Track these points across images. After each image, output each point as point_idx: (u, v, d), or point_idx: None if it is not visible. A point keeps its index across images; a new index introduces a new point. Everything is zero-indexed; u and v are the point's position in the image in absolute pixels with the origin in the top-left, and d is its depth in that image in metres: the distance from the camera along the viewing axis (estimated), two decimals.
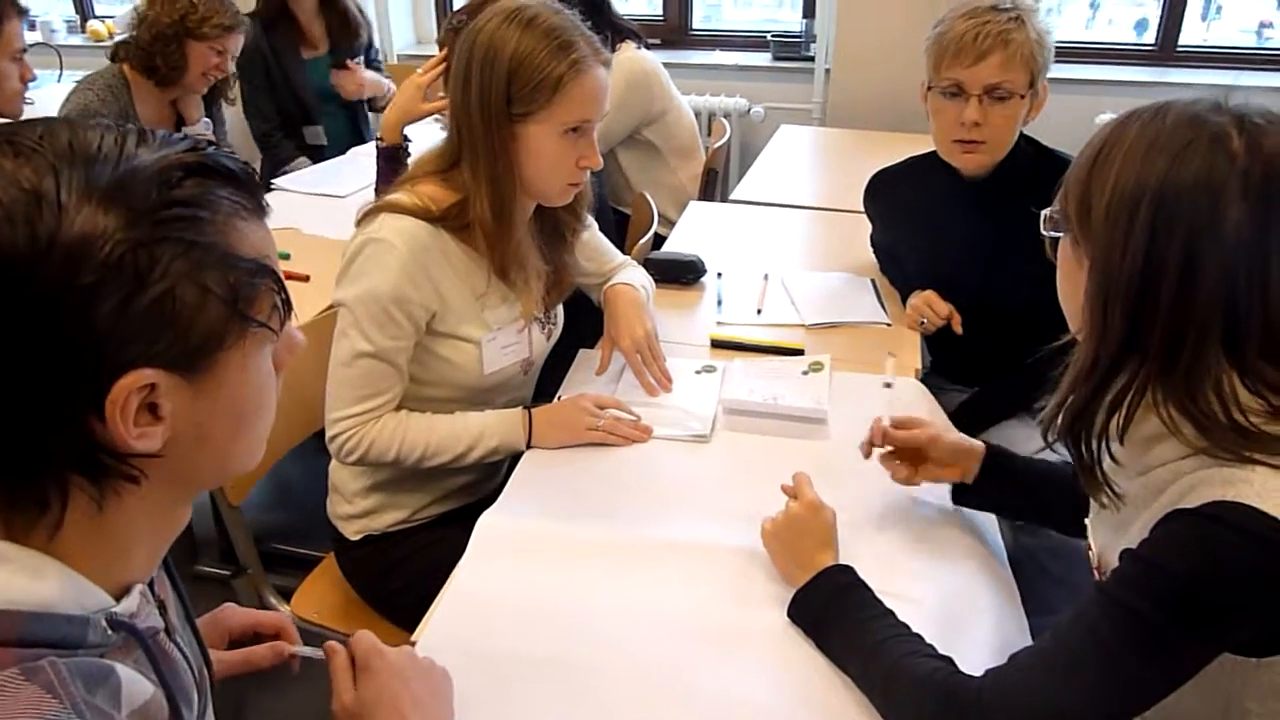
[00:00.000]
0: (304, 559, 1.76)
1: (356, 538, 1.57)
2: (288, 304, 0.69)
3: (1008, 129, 1.65)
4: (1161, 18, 3.69)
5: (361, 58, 3.26)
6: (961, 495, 1.30)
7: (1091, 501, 1.08)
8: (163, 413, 0.62)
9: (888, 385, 1.63)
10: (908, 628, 1.03)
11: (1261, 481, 0.81)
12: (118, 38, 2.63)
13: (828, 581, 1.10)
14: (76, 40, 4.42)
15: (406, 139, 2.14)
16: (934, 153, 1.77)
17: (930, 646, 0.99)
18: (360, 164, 2.82)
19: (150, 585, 0.75)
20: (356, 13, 3.22)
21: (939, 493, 1.38)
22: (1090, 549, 1.08)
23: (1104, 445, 0.93)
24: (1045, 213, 0.98)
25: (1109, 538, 1.02)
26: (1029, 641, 1.09)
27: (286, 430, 1.70)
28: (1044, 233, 0.98)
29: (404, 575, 1.53)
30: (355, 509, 1.56)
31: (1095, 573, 1.06)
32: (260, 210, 0.68)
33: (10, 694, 0.56)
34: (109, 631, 0.65)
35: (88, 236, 0.56)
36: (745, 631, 1.12)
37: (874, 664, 1.00)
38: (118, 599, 0.68)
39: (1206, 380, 0.85)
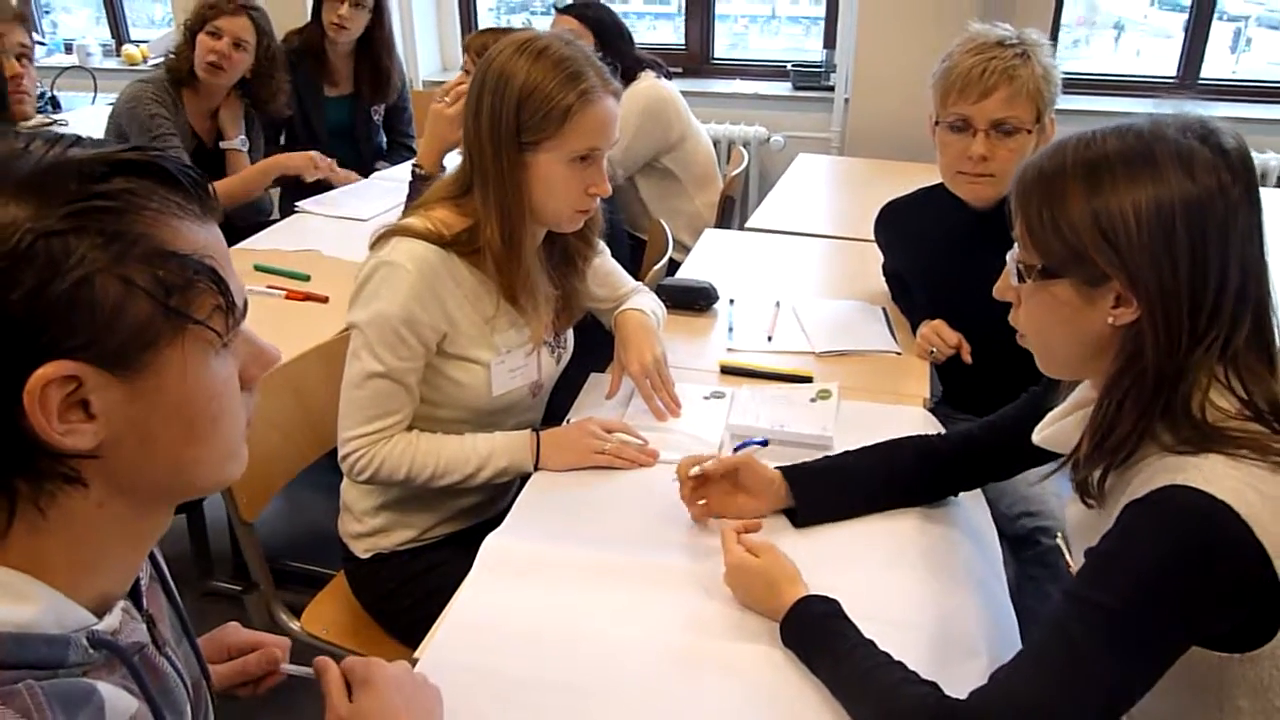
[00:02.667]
0: (316, 576, 1.78)
1: (366, 556, 1.59)
2: (233, 306, 0.67)
3: (1015, 162, 1.66)
4: (1184, 50, 3.69)
5: (381, 108, 3.30)
6: (796, 516, 1.34)
7: (1069, 511, 1.12)
8: (94, 410, 0.61)
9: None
10: (889, 656, 1.03)
11: (1210, 468, 0.86)
12: (155, 55, 2.75)
13: (805, 612, 1.10)
14: (112, 64, 4.53)
15: (444, 169, 2.14)
16: (943, 184, 1.79)
17: (914, 673, 1.00)
18: (382, 189, 2.87)
19: (138, 600, 0.75)
20: (396, 79, 3.26)
21: (939, 519, 1.39)
22: (1068, 556, 1.12)
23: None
24: (1020, 265, 0.99)
25: (1085, 539, 1.03)
26: None
27: (300, 449, 1.73)
28: (1020, 283, 1.00)
29: (411, 594, 1.55)
30: (365, 527, 1.59)
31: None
32: (205, 214, 0.67)
33: None
34: (90, 650, 0.65)
35: None
36: (745, 658, 1.12)
37: (863, 695, 1.00)
38: (98, 614, 0.68)
39: (1201, 377, 0.91)
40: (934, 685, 0.98)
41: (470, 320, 1.46)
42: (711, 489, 1.34)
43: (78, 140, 0.63)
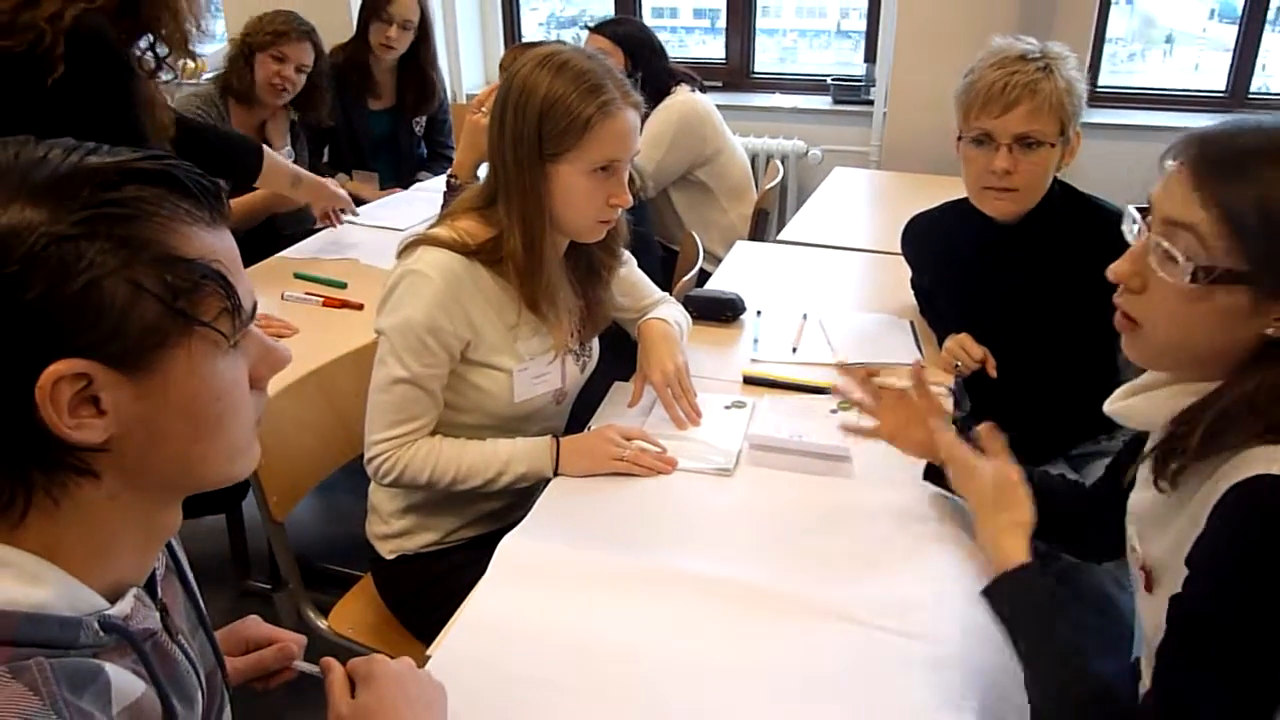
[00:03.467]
0: (348, 578, 1.82)
1: (391, 557, 1.63)
2: (239, 309, 0.70)
3: (1038, 177, 1.66)
4: (1233, 63, 3.63)
5: (424, 119, 3.38)
6: (932, 474, 1.37)
7: (1135, 497, 1.08)
8: (104, 406, 0.64)
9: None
10: (1087, 641, 1.02)
11: None
12: (212, 69, 2.84)
13: (1031, 582, 1.08)
14: (166, 76, 4.66)
15: (478, 178, 2.20)
16: (968, 197, 1.78)
17: (1105, 667, 1.03)
18: (420, 199, 2.94)
19: (153, 590, 0.79)
20: (435, 83, 3.35)
21: (965, 530, 1.39)
22: (1134, 549, 1.07)
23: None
24: (1194, 264, 0.89)
25: (1153, 528, 1.03)
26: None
27: (332, 451, 1.78)
28: (1191, 283, 0.90)
29: (434, 595, 1.57)
30: (391, 529, 1.62)
31: (1141, 572, 1.05)
32: (215, 220, 0.69)
33: None
34: (101, 633, 0.68)
35: (12, 230, 0.60)
36: (757, 667, 1.12)
37: (1054, 677, 1.00)
38: (111, 601, 0.71)
39: None
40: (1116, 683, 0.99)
41: (494, 328, 1.49)
42: (887, 410, 1.42)
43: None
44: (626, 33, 2.76)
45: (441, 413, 1.53)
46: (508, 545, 1.34)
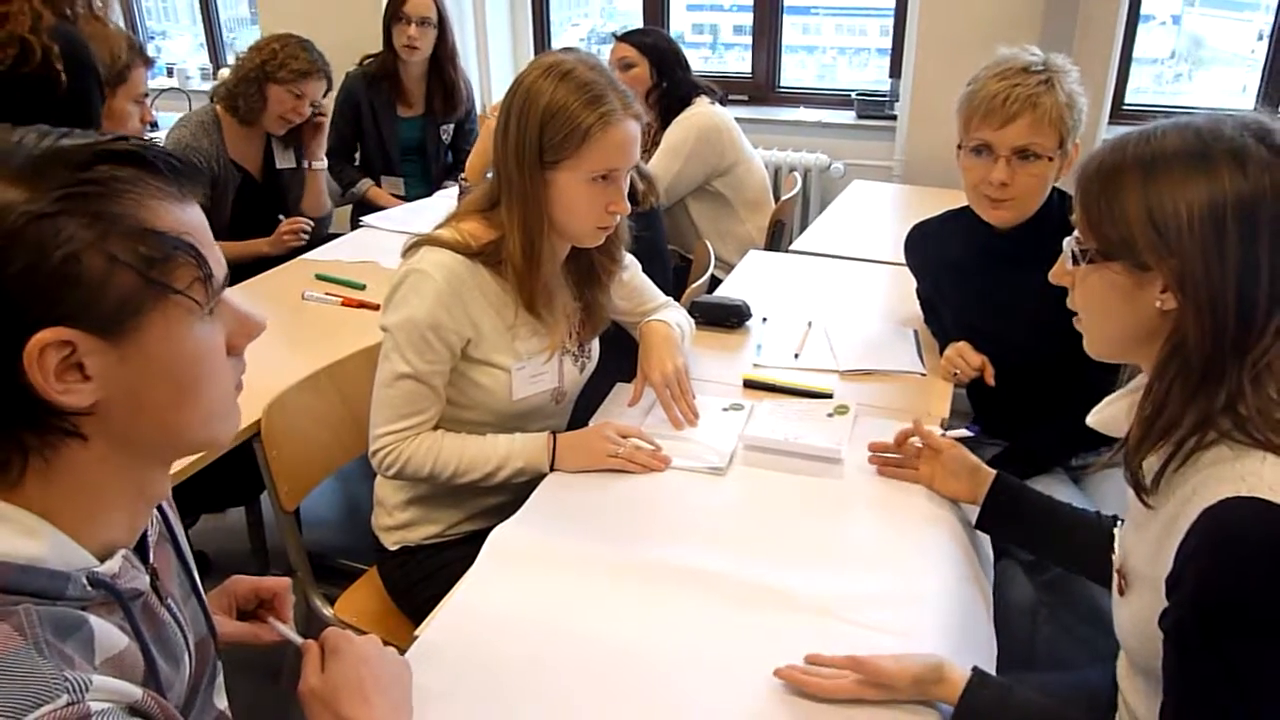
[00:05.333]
0: (352, 571, 1.87)
1: (394, 548, 1.68)
2: (211, 278, 0.75)
3: (1036, 188, 1.67)
4: (1263, 81, 3.60)
5: (451, 127, 3.46)
6: (982, 519, 1.41)
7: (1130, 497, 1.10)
8: (89, 372, 0.69)
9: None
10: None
11: (1272, 472, 0.88)
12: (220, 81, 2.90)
13: (987, 699, 1.06)
14: (208, 87, 4.80)
15: (488, 180, 2.26)
16: (969, 206, 1.80)
17: None
18: (445, 205, 3.00)
19: (145, 554, 0.83)
20: (463, 88, 3.42)
21: (951, 532, 1.41)
22: (1114, 552, 1.11)
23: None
24: (1074, 248, 1.03)
25: (1133, 533, 1.07)
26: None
27: (343, 444, 1.84)
28: (1073, 266, 1.04)
29: (434, 586, 1.61)
30: (394, 521, 1.67)
31: (1116, 574, 1.09)
32: (184, 195, 0.74)
33: None
34: (88, 588, 0.73)
35: None
36: (742, 658, 1.14)
37: None
38: (101, 560, 0.76)
39: (1257, 372, 0.92)
40: None
41: (493, 327, 1.54)
42: (922, 461, 1.49)
43: (68, 132, 0.72)
44: (652, 43, 2.81)
45: (445, 409, 1.57)
46: (500, 534, 1.39)
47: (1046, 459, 1.80)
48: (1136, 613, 1.03)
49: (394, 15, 3.18)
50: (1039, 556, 1.50)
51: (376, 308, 2.24)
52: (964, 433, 1.52)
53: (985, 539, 1.50)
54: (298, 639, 1.07)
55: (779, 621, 1.20)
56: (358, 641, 1.02)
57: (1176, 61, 3.95)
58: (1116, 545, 1.11)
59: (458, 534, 1.68)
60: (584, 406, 1.78)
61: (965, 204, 1.85)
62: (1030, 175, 1.64)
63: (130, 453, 0.76)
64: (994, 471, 1.41)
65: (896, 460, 1.52)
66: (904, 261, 2.11)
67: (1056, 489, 1.75)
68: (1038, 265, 1.71)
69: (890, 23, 4.04)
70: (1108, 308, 1.02)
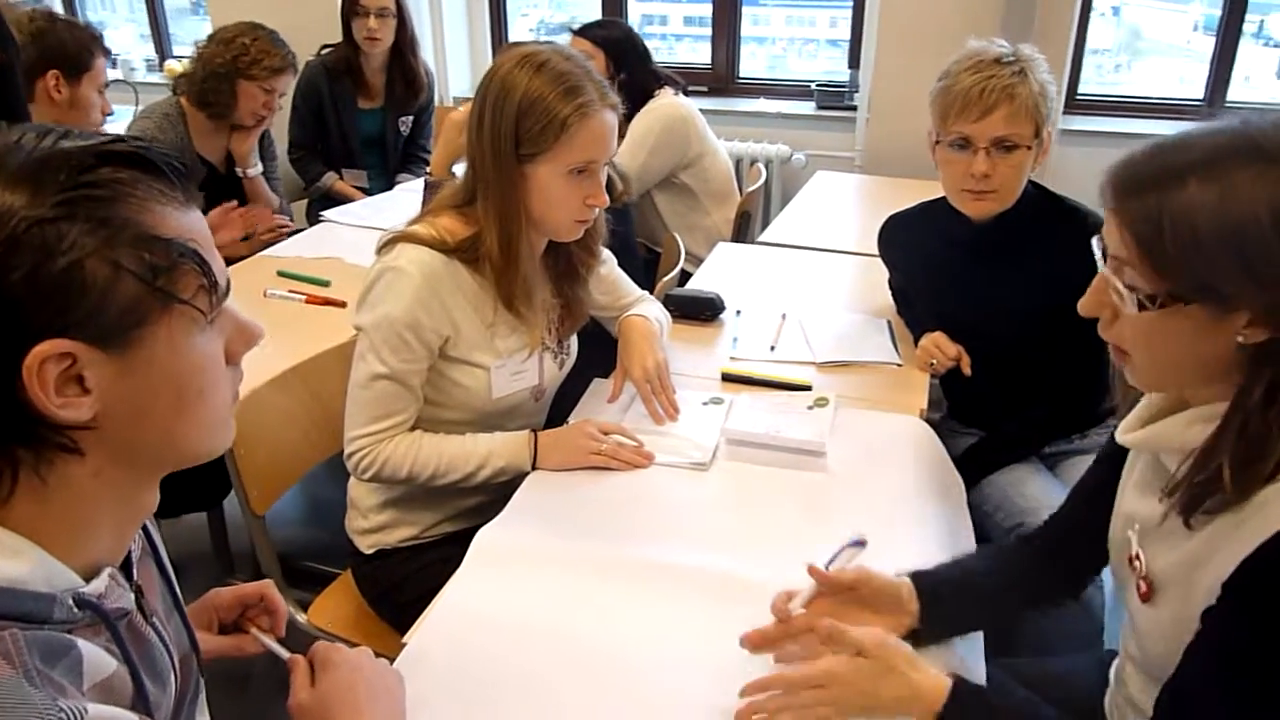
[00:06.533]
0: (324, 575, 1.83)
1: (370, 551, 1.64)
2: (216, 286, 0.72)
3: (1016, 178, 1.68)
4: (1211, 72, 3.68)
5: (410, 118, 3.38)
6: (920, 636, 1.13)
7: (1140, 505, 1.06)
8: (89, 385, 0.66)
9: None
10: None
11: None
12: (179, 72, 2.81)
13: (965, 700, 0.99)
14: (155, 78, 4.68)
15: (454, 176, 2.23)
16: (944, 198, 1.81)
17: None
18: (403, 199, 2.96)
19: (129, 571, 0.80)
20: (423, 75, 3.37)
21: (933, 522, 1.41)
22: (1137, 557, 1.04)
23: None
24: (1137, 295, 0.89)
25: (1159, 542, 1.01)
26: None
27: (314, 445, 1.79)
28: (1135, 311, 0.90)
29: (412, 589, 1.58)
30: (370, 524, 1.63)
31: (1142, 583, 1.03)
32: (186, 200, 0.71)
33: None
34: (74, 610, 0.69)
35: None
36: (728, 652, 1.13)
37: None
38: (87, 580, 0.72)
39: None
40: None
41: (472, 325, 1.51)
42: (818, 611, 1.11)
43: (67, 132, 0.68)
44: (610, 36, 2.79)
45: (422, 409, 1.54)
46: (485, 536, 1.36)
47: (1022, 447, 1.82)
48: (1167, 621, 0.99)
49: (352, 8, 3.12)
50: (994, 625, 1.29)
51: (343, 305, 2.20)
52: (853, 549, 1.24)
53: (968, 529, 1.50)
54: (284, 652, 1.04)
55: (769, 616, 1.18)
56: (349, 653, 0.99)
57: (1116, 52, 4.02)
58: (1137, 549, 1.04)
59: (435, 535, 1.65)
60: (560, 403, 1.76)
61: (937, 196, 1.86)
62: (1010, 166, 1.65)
63: (125, 467, 0.72)
64: (906, 579, 1.15)
65: (789, 642, 1.12)
66: (873, 252, 2.11)
67: (1031, 477, 1.78)
68: (1014, 256, 1.75)
69: (841, 14, 4.07)
70: (1174, 348, 0.90)
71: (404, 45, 3.26)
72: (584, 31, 2.82)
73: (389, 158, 3.38)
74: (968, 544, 1.51)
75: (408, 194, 3.00)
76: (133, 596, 0.79)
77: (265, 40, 2.69)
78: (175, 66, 4.59)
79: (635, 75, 2.80)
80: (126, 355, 0.67)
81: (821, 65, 4.55)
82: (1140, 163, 0.90)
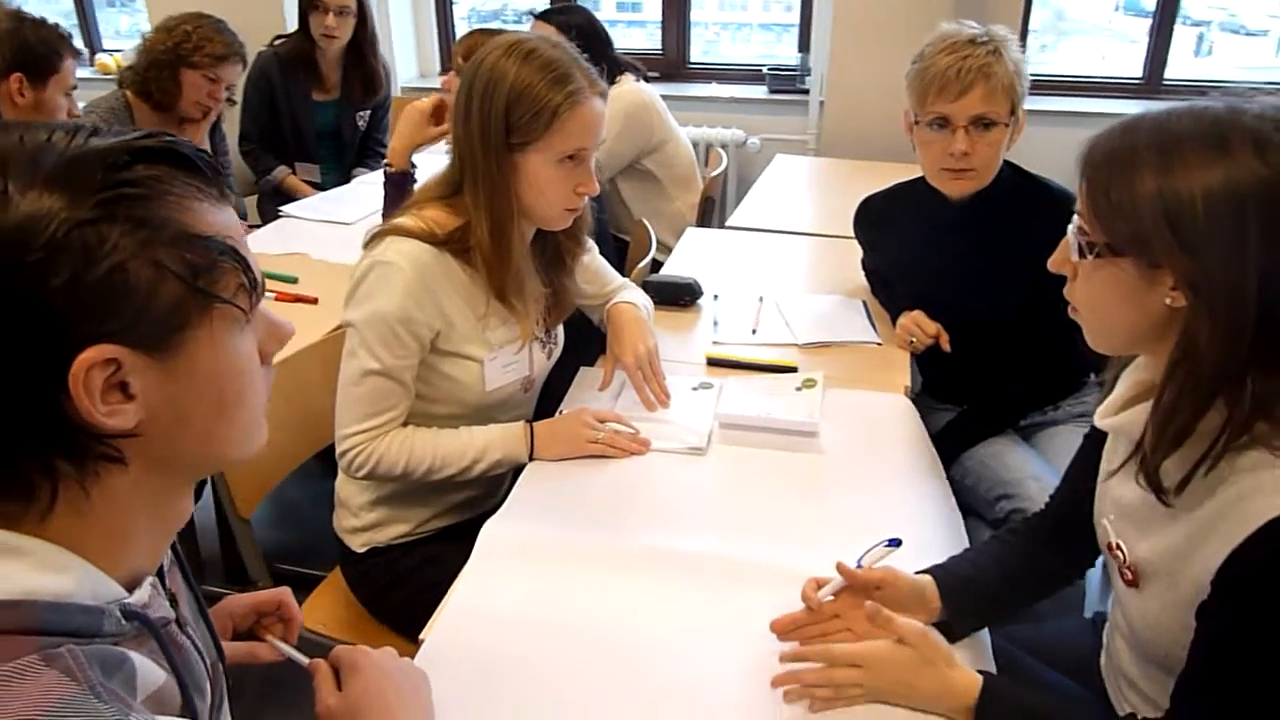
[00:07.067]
0: (309, 579, 1.80)
1: (361, 550, 1.61)
2: (255, 284, 0.70)
3: (994, 155, 1.72)
4: (1149, 52, 3.79)
5: (368, 113, 3.35)
6: (950, 631, 1.15)
7: (1120, 490, 1.09)
8: (133, 391, 0.63)
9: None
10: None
11: None
12: (125, 64, 2.72)
13: (1002, 699, 1.02)
14: (85, 73, 4.50)
15: (413, 165, 2.21)
16: (921, 178, 1.84)
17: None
18: (363, 192, 2.91)
19: (162, 578, 0.78)
20: (382, 74, 3.31)
21: (930, 498, 1.43)
22: (1120, 546, 1.08)
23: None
24: (1083, 240, 0.96)
25: (1139, 528, 1.04)
26: None
27: (295, 446, 1.75)
28: (1081, 259, 0.97)
29: (407, 587, 1.57)
30: (361, 522, 1.61)
31: (1126, 571, 1.07)
32: (220, 195, 0.69)
33: (31, 678, 0.58)
34: (123, 621, 0.68)
35: (33, 217, 0.58)
36: (742, 636, 1.15)
37: None
38: (129, 590, 0.70)
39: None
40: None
41: (464, 317, 1.49)
42: (845, 604, 1.15)
43: (95, 129, 0.65)
44: (573, 22, 2.76)
45: (413, 404, 1.52)
46: (490, 530, 1.35)
47: (1001, 420, 1.86)
48: (1155, 608, 1.02)
49: (311, 3, 3.05)
50: (1012, 613, 1.31)
51: (314, 301, 2.15)
52: (887, 548, 1.20)
53: (954, 510, 1.51)
54: (303, 659, 1.02)
55: (778, 596, 1.19)
56: (375, 655, 0.98)
57: (1042, 32, 4.12)
58: (1114, 539, 1.09)
59: (428, 531, 1.63)
60: (545, 394, 1.75)
61: (913, 177, 1.89)
62: (988, 144, 1.68)
63: (164, 474, 0.70)
64: (928, 577, 1.18)
65: (818, 631, 1.15)
66: (840, 234, 2.14)
67: (1010, 449, 1.82)
68: (991, 234, 1.79)
69: (783, 1, 4.09)
70: (1113, 303, 0.96)
71: (364, 44, 3.20)
72: (548, 16, 2.79)
73: (345, 151, 3.31)
74: (958, 518, 1.54)
75: (366, 187, 2.96)
76: (169, 605, 0.77)
77: (209, 27, 2.62)
78: (108, 61, 4.44)
79: (597, 62, 2.78)
80: (170, 359, 0.65)
81: (755, 50, 4.59)
82: (1114, 135, 0.95)
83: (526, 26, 2.92)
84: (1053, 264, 1.04)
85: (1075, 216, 1.00)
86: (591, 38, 2.76)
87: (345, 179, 3.18)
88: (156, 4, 3.91)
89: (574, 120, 1.40)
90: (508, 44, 1.42)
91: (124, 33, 5.13)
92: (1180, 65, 3.80)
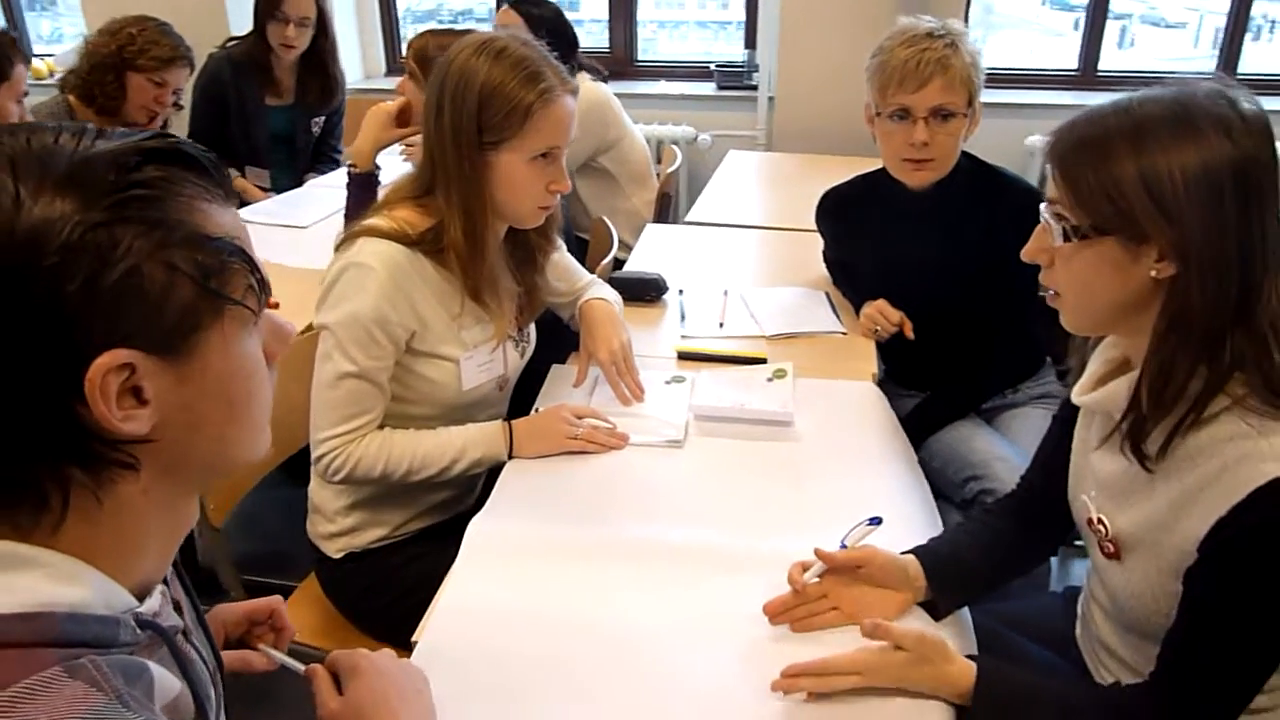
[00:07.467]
0: (278, 589, 1.76)
1: (339, 555, 1.60)
2: (264, 284, 0.70)
3: (953, 145, 1.76)
4: (1083, 45, 3.90)
5: (322, 119, 3.31)
6: (937, 611, 1.19)
7: (1100, 465, 1.13)
8: (147, 396, 0.63)
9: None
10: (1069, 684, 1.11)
11: None
12: (63, 69, 2.65)
13: (997, 685, 1.05)
14: None
15: (378, 166, 2.19)
16: (881, 170, 1.88)
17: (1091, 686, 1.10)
18: (318, 196, 2.87)
19: (166, 586, 0.77)
20: (337, 79, 3.27)
21: (904, 481, 1.47)
22: (1101, 521, 1.11)
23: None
24: (1063, 225, 1.00)
25: (1120, 499, 1.09)
26: None
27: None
28: (1065, 243, 1.01)
29: (388, 590, 1.56)
30: (337, 527, 1.59)
31: (1108, 544, 1.10)
32: (227, 196, 0.69)
33: (56, 691, 0.58)
34: (137, 631, 0.67)
35: (46, 221, 0.58)
36: (739, 625, 1.17)
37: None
38: (139, 599, 0.69)
39: (1261, 330, 0.95)
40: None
41: (439, 317, 1.48)
42: (831, 584, 1.18)
43: (100, 131, 0.64)
44: (541, 15, 2.76)
45: (388, 405, 1.51)
46: (476, 528, 1.35)
47: (965, 405, 1.91)
48: (1138, 578, 1.06)
49: (269, 12, 2.99)
50: (990, 591, 1.33)
51: (275, 306, 2.10)
52: (869, 527, 1.22)
53: (927, 490, 1.55)
54: (299, 666, 1.01)
55: (762, 581, 1.21)
56: (374, 658, 0.98)
57: (973, 26, 4.23)
58: (1094, 512, 1.13)
59: (406, 533, 1.62)
60: (517, 392, 1.74)
61: (873, 169, 1.92)
62: (947, 134, 1.73)
63: (174, 481, 0.69)
64: (910, 556, 1.21)
65: (806, 612, 1.17)
66: (798, 227, 2.17)
67: (975, 432, 1.87)
68: (950, 222, 1.84)
69: None
70: (1097, 282, 1.00)
71: (324, 53, 3.16)
72: (517, 4, 2.79)
73: (297, 157, 3.26)
74: (931, 498, 1.58)
75: (321, 190, 2.92)
76: (176, 613, 0.76)
77: (154, 30, 2.56)
78: (39, 66, 4.31)
79: (564, 62, 2.79)
80: (183, 362, 0.65)
81: (692, 47, 4.63)
82: (1081, 124, 1.00)
83: (466, 26, 2.90)
84: (1026, 254, 1.08)
85: (1047, 205, 1.04)
86: (560, 37, 2.76)
87: (297, 184, 3.13)
88: (93, 8, 3.81)
89: (547, 118, 1.40)
90: (477, 43, 1.42)
91: (46, 37, 5.04)
92: (1106, 57, 3.92)
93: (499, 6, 4.13)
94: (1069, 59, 3.96)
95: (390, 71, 4.47)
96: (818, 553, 1.18)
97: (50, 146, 0.61)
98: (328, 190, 2.84)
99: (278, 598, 1.06)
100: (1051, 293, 1.08)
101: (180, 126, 2.93)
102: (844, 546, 1.21)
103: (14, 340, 0.58)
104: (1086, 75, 3.93)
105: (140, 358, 0.62)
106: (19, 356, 0.58)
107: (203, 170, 0.67)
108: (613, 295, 1.80)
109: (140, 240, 0.61)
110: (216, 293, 0.65)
